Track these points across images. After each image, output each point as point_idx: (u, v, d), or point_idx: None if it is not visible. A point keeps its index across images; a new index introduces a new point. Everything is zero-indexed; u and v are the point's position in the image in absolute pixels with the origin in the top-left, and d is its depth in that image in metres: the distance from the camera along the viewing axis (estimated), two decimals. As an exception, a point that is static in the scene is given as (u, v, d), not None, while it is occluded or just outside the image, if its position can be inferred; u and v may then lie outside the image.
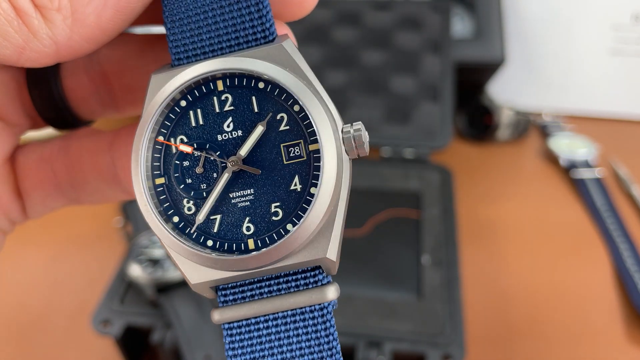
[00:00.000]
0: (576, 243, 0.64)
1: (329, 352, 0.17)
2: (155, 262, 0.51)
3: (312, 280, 0.18)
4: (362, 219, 0.60)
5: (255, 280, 0.18)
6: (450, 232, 0.57)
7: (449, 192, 0.63)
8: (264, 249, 0.17)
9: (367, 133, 0.19)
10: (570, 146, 0.76)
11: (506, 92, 0.89)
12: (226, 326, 0.18)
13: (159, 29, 0.21)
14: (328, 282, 0.18)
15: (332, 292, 0.18)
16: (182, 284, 0.50)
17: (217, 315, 0.18)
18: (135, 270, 0.50)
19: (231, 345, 0.18)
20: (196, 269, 0.18)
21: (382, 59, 0.74)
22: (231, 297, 0.18)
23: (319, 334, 0.17)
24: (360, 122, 0.19)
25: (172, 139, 0.18)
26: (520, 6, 0.86)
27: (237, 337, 0.18)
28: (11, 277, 0.60)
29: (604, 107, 0.87)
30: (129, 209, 0.58)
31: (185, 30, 0.18)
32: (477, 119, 0.80)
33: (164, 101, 0.18)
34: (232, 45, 0.18)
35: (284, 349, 0.18)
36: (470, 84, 0.83)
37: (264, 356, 0.18)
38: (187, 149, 0.18)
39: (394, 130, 0.70)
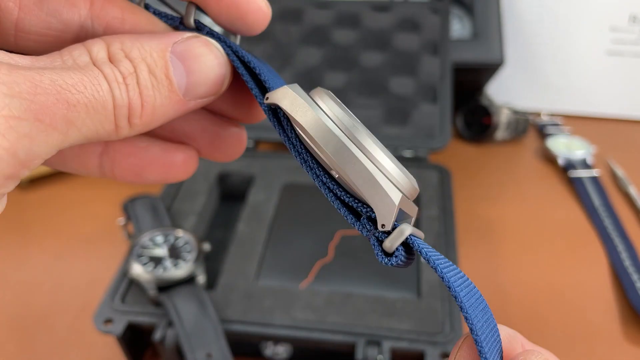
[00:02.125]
0: (574, 242, 0.64)
1: None
2: (156, 261, 0.51)
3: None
4: (362, 219, 0.61)
5: None
6: (449, 232, 0.58)
7: (447, 191, 0.63)
8: None
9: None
10: (568, 146, 0.77)
11: (505, 92, 0.89)
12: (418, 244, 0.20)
13: None
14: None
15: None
16: (183, 283, 0.51)
17: (408, 229, 0.19)
18: (137, 269, 0.50)
19: (434, 256, 0.20)
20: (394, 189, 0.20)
21: (382, 60, 0.74)
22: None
23: None
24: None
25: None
26: (519, 7, 0.87)
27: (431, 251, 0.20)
28: (14, 277, 0.60)
29: (602, 108, 0.88)
30: (130, 209, 0.59)
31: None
32: (476, 119, 0.81)
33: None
34: None
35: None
36: (469, 84, 0.84)
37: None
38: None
39: (393, 131, 0.71)
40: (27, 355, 0.52)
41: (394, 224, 0.19)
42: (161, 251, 0.52)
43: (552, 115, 0.88)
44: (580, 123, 0.86)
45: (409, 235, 0.19)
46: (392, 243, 0.19)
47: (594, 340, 0.53)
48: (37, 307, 0.57)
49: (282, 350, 0.50)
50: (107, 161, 0.26)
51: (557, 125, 0.84)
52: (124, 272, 0.52)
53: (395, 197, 0.19)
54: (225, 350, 0.46)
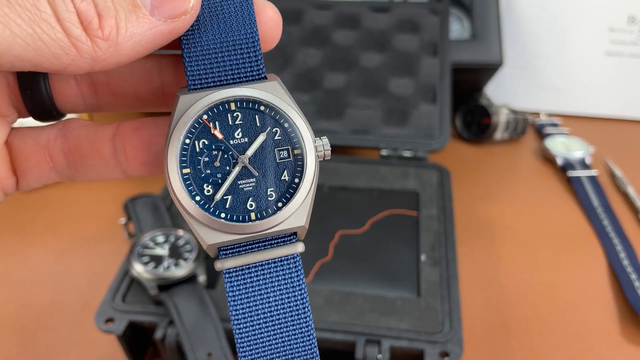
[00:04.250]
0: (572, 242, 0.64)
1: (299, 286, 0.26)
2: (157, 260, 0.51)
3: (287, 240, 0.26)
4: (361, 218, 0.61)
5: (249, 242, 0.26)
6: (448, 231, 0.58)
7: (447, 191, 0.64)
8: (262, 219, 0.25)
9: (329, 144, 0.27)
10: (566, 146, 0.77)
11: (504, 93, 0.90)
12: (226, 272, 0.25)
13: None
14: (297, 241, 0.26)
15: (300, 247, 0.26)
16: (184, 282, 0.51)
17: (220, 264, 0.25)
18: (138, 268, 0.50)
19: (230, 286, 0.25)
20: (210, 234, 0.25)
21: (381, 61, 0.74)
22: (230, 252, 0.26)
23: (292, 274, 0.26)
24: (325, 136, 0.27)
25: (195, 142, 0.25)
26: (518, 8, 0.87)
27: (235, 280, 0.25)
28: (16, 276, 0.61)
29: (600, 108, 0.88)
30: (131, 208, 0.59)
31: (200, 66, 0.26)
32: (475, 119, 0.81)
33: (196, 114, 0.25)
34: (234, 79, 0.26)
35: (268, 286, 0.26)
36: (468, 85, 0.84)
37: (254, 293, 0.25)
38: (219, 135, 0.25)
39: (393, 131, 0.71)
40: (29, 353, 0.53)
41: (218, 254, 0.26)
42: (162, 250, 0.52)
43: (551, 115, 0.88)
44: (578, 123, 0.86)
45: (223, 271, 0.25)
46: (217, 266, 0.25)
47: (592, 339, 0.53)
48: (38, 306, 0.57)
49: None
50: (119, 142, 0.27)
51: (555, 125, 0.84)
52: (125, 272, 0.52)
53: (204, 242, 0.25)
54: (226, 349, 0.46)
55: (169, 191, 0.25)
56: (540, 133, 0.83)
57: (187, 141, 0.25)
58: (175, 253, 0.52)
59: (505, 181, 0.75)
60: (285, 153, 0.26)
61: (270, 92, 0.26)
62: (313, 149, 0.26)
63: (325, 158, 0.27)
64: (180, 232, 0.54)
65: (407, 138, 0.70)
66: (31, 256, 0.63)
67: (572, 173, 0.73)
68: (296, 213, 0.25)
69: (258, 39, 0.26)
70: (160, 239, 0.54)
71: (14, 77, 0.28)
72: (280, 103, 0.26)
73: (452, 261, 0.55)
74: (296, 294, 0.26)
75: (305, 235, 0.27)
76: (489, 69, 0.80)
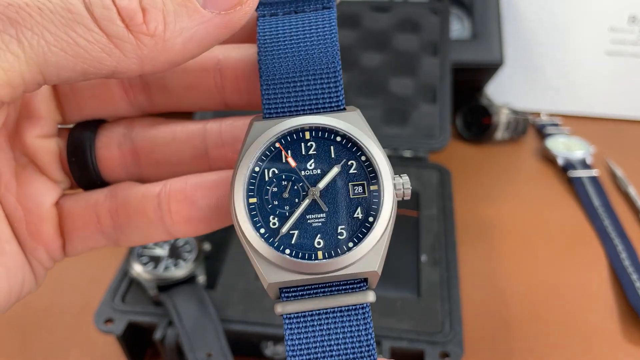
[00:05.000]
0: (573, 242, 0.64)
1: (366, 339, 0.23)
2: (156, 261, 0.51)
3: (357, 286, 0.24)
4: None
5: (314, 285, 0.23)
6: (449, 231, 0.58)
7: (447, 191, 0.64)
8: (330, 259, 0.23)
9: (409, 182, 0.25)
10: (567, 146, 0.77)
11: (504, 93, 0.89)
12: (286, 317, 0.23)
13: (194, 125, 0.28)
14: (367, 289, 0.24)
15: (372, 296, 0.24)
16: (184, 282, 0.51)
17: (280, 308, 0.23)
18: (137, 269, 0.50)
19: (290, 333, 0.23)
20: (272, 271, 0.23)
21: (382, 61, 0.74)
22: (292, 295, 0.23)
23: (359, 326, 0.23)
24: (406, 174, 0.25)
25: (265, 170, 0.24)
26: (518, 8, 0.87)
27: (295, 327, 0.23)
28: (14, 277, 0.60)
29: (601, 108, 0.88)
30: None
31: (277, 93, 0.25)
32: (475, 119, 0.81)
33: (268, 141, 0.24)
34: (312, 109, 0.25)
35: (332, 336, 0.23)
36: (469, 85, 0.84)
37: (315, 342, 0.23)
38: (292, 162, 0.24)
39: (393, 131, 0.71)
40: (28, 354, 0.52)
41: (279, 295, 0.24)
42: (161, 251, 0.52)
43: (552, 115, 0.88)
44: (579, 123, 0.86)
45: (283, 315, 0.23)
46: (277, 310, 0.24)
47: (593, 339, 0.53)
48: (37, 306, 0.57)
49: (282, 349, 0.50)
50: (163, 198, 0.27)
51: (556, 125, 0.84)
52: (125, 272, 0.52)
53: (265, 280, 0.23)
54: (226, 350, 0.46)
55: (233, 221, 0.23)
56: (541, 133, 0.83)
57: (257, 169, 0.24)
58: (175, 253, 0.52)
59: (506, 181, 0.74)
60: (360, 188, 0.24)
61: (349, 122, 0.25)
62: (392, 186, 0.24)
63: (405, 198, 0.25)
64: (180, 232, 0.54)
65: (407, 138, 0.70)
66: (30, 256, 0.63)
67: (573, 173, 0.73)
68: (368, 256, 0.23)
69: (340, 68, 0.25)
70: (160, 239, 0.54)
71: (64, 145, 0.28)
72: (359, 134, 0.24)
73: (453, 261, 0.54)
74: (363, 349, 0.23)
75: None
76: (490, 69, 0.80)
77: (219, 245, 0.60)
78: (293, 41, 0.25)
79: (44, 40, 0.19)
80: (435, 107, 0.71)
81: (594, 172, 0.73)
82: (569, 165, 0.74)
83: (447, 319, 0.49)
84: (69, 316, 0.56)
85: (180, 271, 0.50)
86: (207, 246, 0.54)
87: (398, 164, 0.68)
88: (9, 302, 0.25)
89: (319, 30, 0.25)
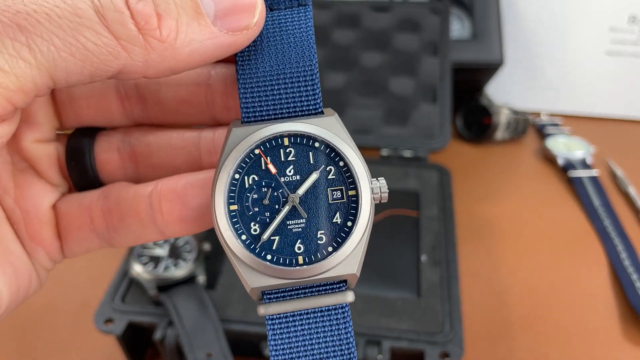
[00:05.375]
0: (573, 242, 0.64)
1: (346, 337, 0.24)
2: (156, 261, 0.51)
3: (337, 288, 0.24)
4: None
5: (295, 287, 0.24)
6: (449, 231, 0.58)
7: (447, 191, 0.64)
8: (311, 264, 0.24)
9: (386, 186, 0.25)
10: (567, 146, 0.77)
11: (504, 92, 0.89)
12: (268, 318, 0.24)
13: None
14: (347, 289, 0.25)
15: (350, 296, 0.24)
16: (184, 282, 0.51)
17: (263, 310, 0.24)
18: (137, 269, 0.50)
19: (272, 334, 0.24)
20: (254, 276, 0.24)
21: (382, 61, 0.74)
22: (274, 297, 0.24)
23: (339, 325, 0.24)
24: (383, 177, 0.26)
25: (245, 177, 0.24)
26: (519, 8, 0.87)
27: (278, 327, 0.24)
28: (14, 276, 0.60)
29: (601, 108, 0.88)
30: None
31: (255, 98, 0.25)
32: (475, 119, 0.81)
33: (247, 149, 0.24)
34: (290, 113, 0.25)
35: (313, 336, 0.24)
36: (469, 85, 0.84)
37: (297, 342, 0.24)
38: (273, 169, 0.24)
39: (393, 131, 0.71)
40: (27, 354, 0.52)
41: (262, 298, 0.24)
42: (161, 251, 0.52)
43: (552, 115, 0.88)
44: (579, 123, 0.86)
45: (266, 316, 0.24)
46: (260, 311, 0.24)
47: (593, 339, 0.53)
48: (37, 306, 0.57)
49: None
50: (155, 198, 0.27)
51: (556, 125, 0.84)
52: (125, 272, 0.52)
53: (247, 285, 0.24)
54: (226, 350, 0.46)
55: (215, 228, 0.24)
56: (541, 133, 0.83)
57: (237, 176, 0.24)
58: (175, 253, 0.52)
59: (506, 181, 0.74)
60: (338, 194, 0.24)
61: (326, 128, 0.25)
62: (369, 190, 0.24)
63: (382, 201, 0.25)
64: (180, 232, 0.54)
65: (407, 138, 0.70)
66: (30, 256, 0.63)
67: (573, 173, 0.73)
68: (347, 259, 0.24)
69: (317, 72, 0.25)
70: (160, 239, 0.54)
71: (62, 149, 0.28)
72: (336, 140, 0.25)
73: (453, 261, 0.54)
74: (343, 347, 0.24)
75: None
76: (490, 69, 0.80)
77: (219, 245, 0.60)
78: (270, 43, 0.25)
79: (53, 46, 0.19)
80: (435, 107, 0.71)
81: (594, 172, 0.73)
82: (569, 165, 0.74)
83: (447, 319, 0.49)
84: (69, 316, 0.56)
85: (180, 271, 0.50)
86: (207, 246, 0.54)
87: (398, 164, 0.68)
88: (17, 301, 0.26)
89: (295, 31, 0.25)
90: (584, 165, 0.75)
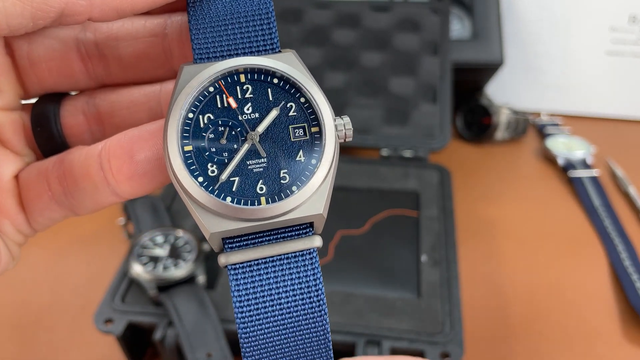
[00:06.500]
0: (574, 242, 0.64)
1: (314, 284, 0.23)
2: (156, 261, 0.51)
3: (303, 232, 0.23)
4: (361, 218, 0.61)
5: (258, 233, 0.23)
6: (449, 231, 0.58)
7: (447, 191, 0.64)
8: (274, 203, 0.22)
9: (350, 123, 0.24)
10: (567, 146, 0.77)
11: (504, 92, 0.89)
12: (231, 268, 0.22)
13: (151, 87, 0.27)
14: (314, 234, 0.23)
15: (318, 240, 0.23)
16: (184, 283, 0.51)
17: (224, 259, 0.22)
18: (137, 269, 0.50)
19: (236, 284, 0.22)
20: (213, 220, 0.22)
21: (382, 60, 0.74)
22: (237, 245, 0.23)
23: (307, 272, 0.23)
24: (346, 115, 0.24)
25: (200, 116, 0.23)
26: (519, 8, 0.87)
27: (241, 277, 0.22)
28: (14, 276, 0.60)
29: (601, 108, 0.88)
30: (131, 209, 0.59)
31: (207, 37, 0.24)
32: (475, 119, 0.81)
33: (200, 85, 0.23)
34: (245, 51, 0.24)
35: (280, 284, 0.23)
36: (469, 84, 0.84)
37: (262, 292, 0.22)
38: (233, 103, 0.23)
39: (393, 131, 0.71)
40: (27, 354, 0.52)
41: (223, 247, 0.23)
42: (161, 251, 0.52)
43: (552, 115, 0.88)
44: (579, 123, 0.86)
45: (228, 266, 0.23)
46: (221, 261, 0.23)
47: (593, 340, 0.53)
48: (37, 306, 0.57)
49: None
50: (104, 157, 0.26)
51: (556, 125, 0.84)
52: (124, 272, 0.52)
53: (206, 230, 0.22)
54: (226, 350, 0.46)
55: (168, 171, 0.22)
56: (541, 133, 0.83)
57: (191, 115, 0.23)
58: (175, 253, 0.52)
59: (506, 181, 0.74)
60: (301, 131, 0.23)
61: (286, 62, 0.23)
62: (333, 127, 0.23)
63: (347, 139, 0.24)
64: (180, 232, 0.54)
65: (407, 138, 0.70)
66: (30, 256, 0.63)
67: (573, 173, 0.73)
68: (312, 199, 0.22)
69: (272, 10, 0.24)
70: (160, 239, 0.54)
71: (28, 118, 0.28)
72: (297, 75, 0.23)
73: (453, 262, 0.54)
74: (312, 294, 0.23)
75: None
76: (490, 69, 0.80)
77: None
78: None
79: None
80: (435, 107, 0.71)
81: (594, 172, 0.73)
82: (569, 165, 0.74)
83: (447, 319, 0.49)
84: (68, 316, 0.56)
85: (180, 271, 0.50)
86: (207, 246, 0.54)
87: (398, 164, 0.68)
88: None
89: None
90: (584, 165, 0.75)
